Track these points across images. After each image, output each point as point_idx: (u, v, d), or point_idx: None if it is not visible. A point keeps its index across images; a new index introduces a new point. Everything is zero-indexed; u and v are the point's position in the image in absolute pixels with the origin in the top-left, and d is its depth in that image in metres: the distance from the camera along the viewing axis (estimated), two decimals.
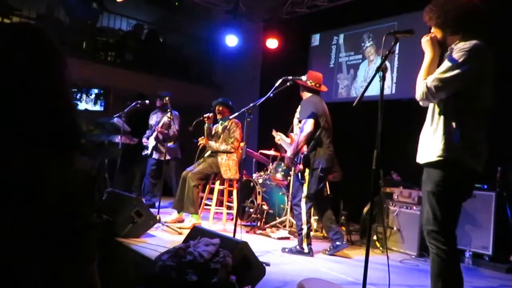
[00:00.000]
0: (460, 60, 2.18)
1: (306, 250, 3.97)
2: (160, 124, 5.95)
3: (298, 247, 4.01)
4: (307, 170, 4.02)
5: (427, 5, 2.42)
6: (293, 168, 4.16)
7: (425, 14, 2.42)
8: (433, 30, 2.42)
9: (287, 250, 4.04)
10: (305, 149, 4.02)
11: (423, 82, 2.26)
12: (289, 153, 4.12)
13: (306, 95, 4.23)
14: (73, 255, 0.83)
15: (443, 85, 2.20)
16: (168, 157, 5.81)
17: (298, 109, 4.27)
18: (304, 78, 4.20)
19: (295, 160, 4.06)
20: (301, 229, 4.00)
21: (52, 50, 0.92)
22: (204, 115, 5.25)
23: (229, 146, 5.13)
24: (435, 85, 2.20)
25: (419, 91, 2.28)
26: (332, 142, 4.14)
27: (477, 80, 2.22)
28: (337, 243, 4.07)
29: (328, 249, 4.11)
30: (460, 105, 2.24)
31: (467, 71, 2.17)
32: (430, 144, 2.31)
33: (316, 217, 4.83)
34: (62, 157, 0.84)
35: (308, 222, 4.03)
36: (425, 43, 2.38)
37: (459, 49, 2.23)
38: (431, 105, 2.39)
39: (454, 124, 2.24)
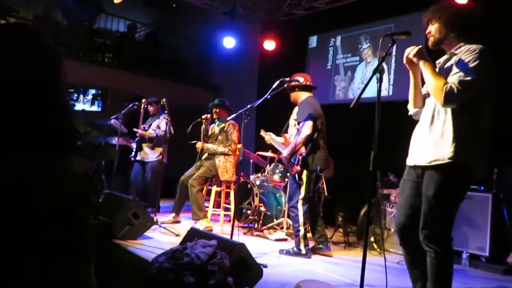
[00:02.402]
0: (476, 63, 2.19)
1: (303, 252, 3.97)
2: (147, 126, 5.94)
3: (295, 248, 4.02)
4: (304, 172, 4.03)
5: (432, 4, 2.42)
6: (289, 170, 4.15)
7: (430, 11, 2.41)
8: (431, 28, 2.42)
9: (284, 251, 4.04)
10: (303, 150, 4.03)
11: (445, 85, 2.19)
12: (285, 153, 4.11)
13: (302, 96, 4.23)
14: (70, 257, 0.82)
15: (470, 87, 2.18)
16: (150, 159, 5.83)
17: (295, 110, 4.27)
18: (301, 79, 4.22)
19: (292, 161, 4.06)
20: (298, 230, 4.00)
21: (48, 51, 0.92)
22: (202, 117, 5.28)
23: (226, 148, 5.15)
24: (464, 87, 2.17)
25: (442, 95, 2.19)
26: (326, 144, 4.17)
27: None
28: (320, 245, 4.18)
29: (311, 248, 4.14)
30: (471, 107, 2.24)
31: (485, 74, 2.20)
32: (435, 146, 2.29)
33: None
34: (58, 158, 0.84)
35: (305, 223, 4.03)
36: (418, 53, 2.33)
37: (469, 51, 2.23)
38: (431, 107, 2.38)
39: (465, 127, 2.24)
